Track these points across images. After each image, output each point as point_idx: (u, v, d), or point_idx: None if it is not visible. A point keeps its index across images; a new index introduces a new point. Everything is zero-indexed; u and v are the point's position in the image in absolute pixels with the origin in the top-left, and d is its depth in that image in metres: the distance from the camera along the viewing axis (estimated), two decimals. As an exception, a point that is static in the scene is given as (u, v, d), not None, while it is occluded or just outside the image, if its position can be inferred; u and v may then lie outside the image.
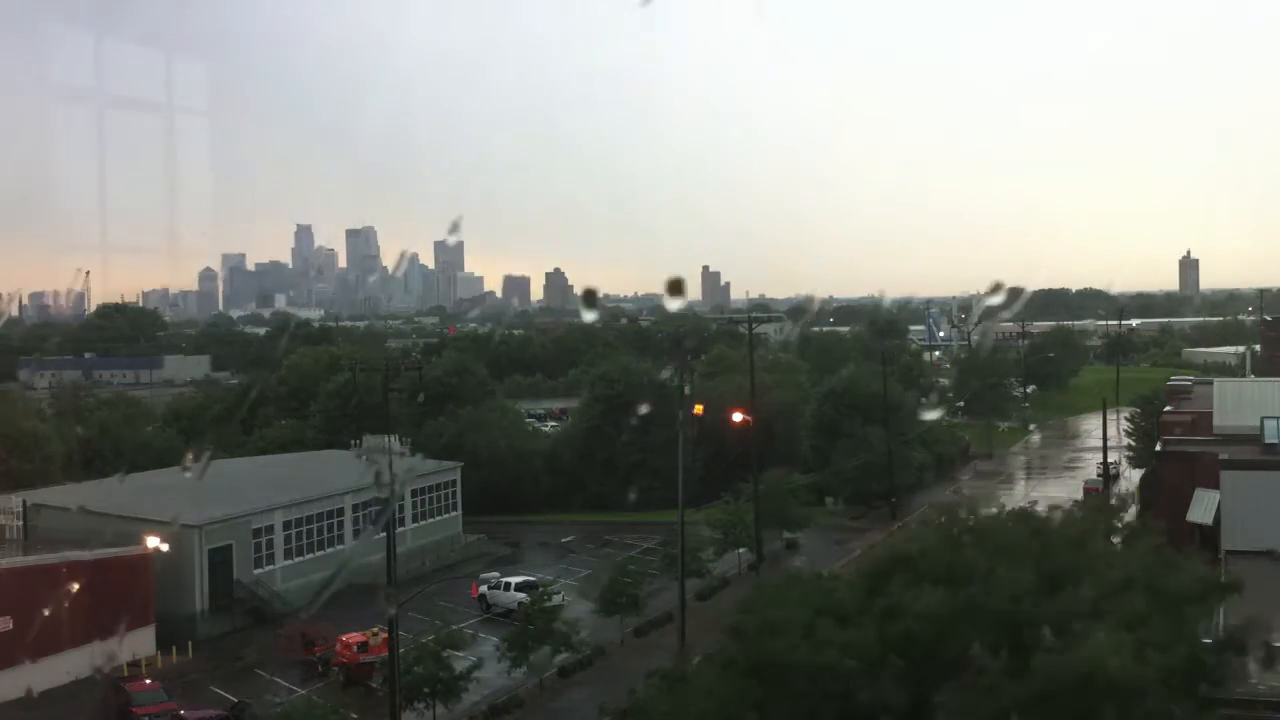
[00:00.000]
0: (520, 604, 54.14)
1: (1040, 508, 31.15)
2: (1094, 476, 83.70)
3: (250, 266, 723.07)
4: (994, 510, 30.52)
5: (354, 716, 42.76)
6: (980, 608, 22.42)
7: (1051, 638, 21.65)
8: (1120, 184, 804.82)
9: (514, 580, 59.41)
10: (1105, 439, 64.91)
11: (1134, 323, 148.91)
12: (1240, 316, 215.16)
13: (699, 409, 69.17)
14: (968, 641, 21.94)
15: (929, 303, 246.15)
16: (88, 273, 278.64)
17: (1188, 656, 21.87)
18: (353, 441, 71.92)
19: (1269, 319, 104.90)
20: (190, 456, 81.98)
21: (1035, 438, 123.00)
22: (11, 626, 46.95)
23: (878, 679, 22.45)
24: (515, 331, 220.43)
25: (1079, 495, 79.82)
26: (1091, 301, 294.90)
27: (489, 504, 79.13)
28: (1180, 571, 24.23)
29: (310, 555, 62.94)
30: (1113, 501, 51.76)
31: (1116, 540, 26.18)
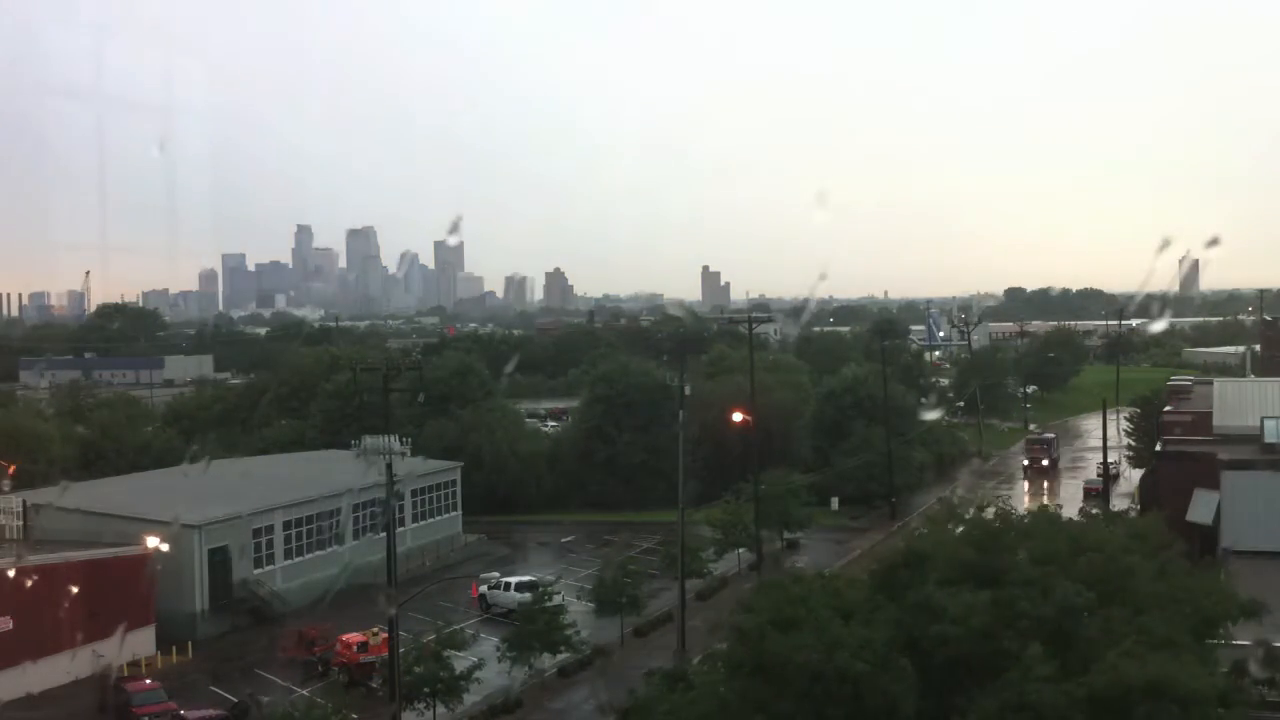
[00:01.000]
0: (520, 604, 54.12)
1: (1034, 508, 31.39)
2: (1094, 476, 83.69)
3: (250, 267, 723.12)
4: (1016, 511, 30.45)
5: (354, 717, 42.74)
6: (1023, 613, 22.49)
7: (1097, 647, 21.82)
8: (1120, 184, 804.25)
9: (514, 580, 59.38)
10: (1105, 439, 64.80)
11: (1134, 323, 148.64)
12: (1240, 316, 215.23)
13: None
14: (1006, 644, 22.02)
15: (929, 303, 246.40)
16: (88, 273, 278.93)
17: (1232, 673, 22.34)
18: (353, 441, 71.76)
19: (1269, 319, 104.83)
20: (190, 456, 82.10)
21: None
22: (11, 626, 46.91)
23: (893, 680, 22.43)
24: (515, 331, 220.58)
25: (1079, 495, 79.98)
26: (1091, 302, 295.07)
27: (489, 504, 79.08)
28: (1214, 593, 24.78)
29: (310, 555, 62.90)
30: (1120, 506, 51.82)
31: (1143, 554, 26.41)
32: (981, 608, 22.72)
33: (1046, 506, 30.96)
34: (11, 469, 66.36)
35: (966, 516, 29.15)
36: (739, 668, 24.88)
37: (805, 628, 23.71)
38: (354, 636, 49.12)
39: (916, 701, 22.45)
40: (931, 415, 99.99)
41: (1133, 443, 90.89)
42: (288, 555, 61.58)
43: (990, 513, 29.00)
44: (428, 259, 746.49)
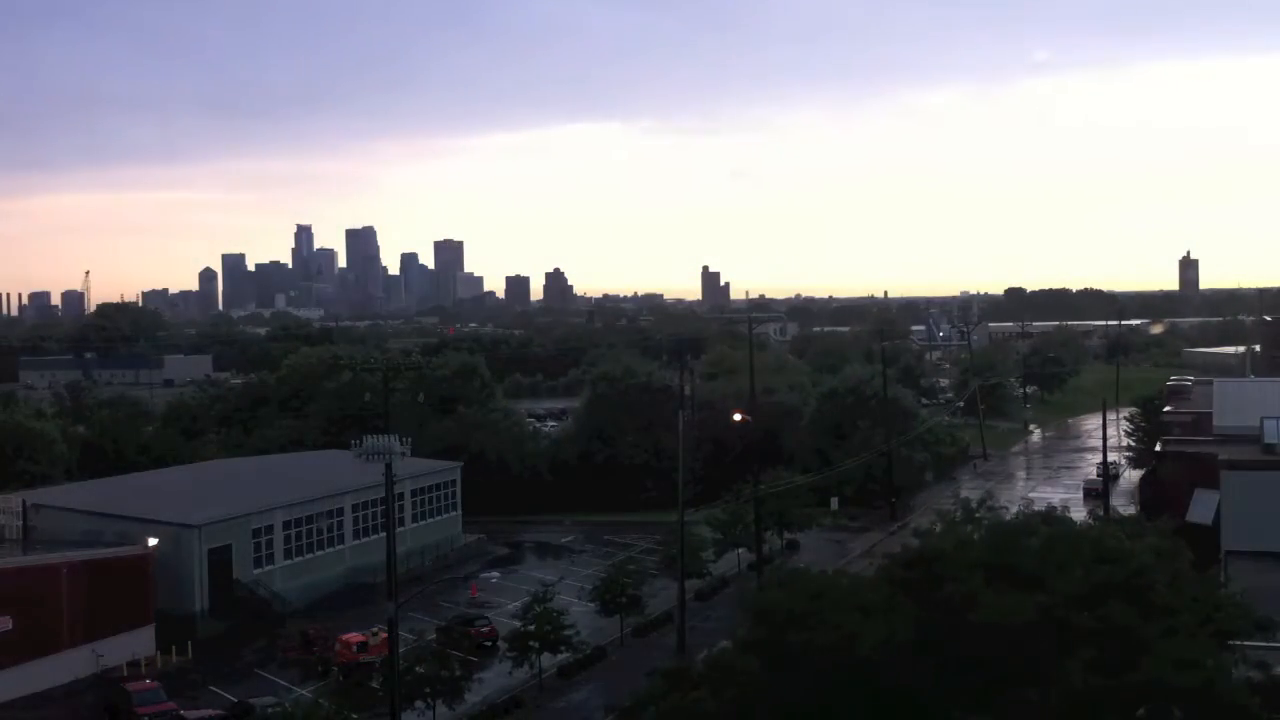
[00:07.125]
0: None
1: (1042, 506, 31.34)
2: (1094, 476, 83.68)
3: (250, 266, 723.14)
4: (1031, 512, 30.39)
5: (354, 717, 42.64)
6: (1063, 617, 22.54)
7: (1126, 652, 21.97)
8: (1121, 184, 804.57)
9: (514, 580, 59.31)
10: (1105, 439, 64.81)
11: (1134, 323, 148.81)
12: (1240, 316, 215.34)
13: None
14: (1038, 650, 22.08)
15: (929, 303, 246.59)
16: (88, 272, 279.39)
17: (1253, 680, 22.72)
18: (353, 441, 71.53)
19: (1269, 319, 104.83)
20: (190, 456, 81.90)
21: (1035, 438, 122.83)
22: (11, 626, 46.88)
23: (913, 673, 22.45)
24: (515, 332, 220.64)
25: (1079, 495, 79.92)
26: (1092, 302, 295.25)
27: (490, 504, 78.97)
28: (1228, 607, 25.12)
29: (310, 555, 62.81)
30: (1120, 506, 51.77)
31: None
32: (1018, 608, 22.76)
33: (1055, 508, 30.84)
34: None
35: (980, 518, 29.17)
36: (758, 649, 24.58)
37: (823, 623, 23.63)
38: (354, 636, 49.10)
39: (936, 696, 22.45)
40: (932, 415, 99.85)
41: (1133, 443, 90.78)
42: (288, 555, 61.51)
43: (1007, 514, 29.08)
44: (428, 259, 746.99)
